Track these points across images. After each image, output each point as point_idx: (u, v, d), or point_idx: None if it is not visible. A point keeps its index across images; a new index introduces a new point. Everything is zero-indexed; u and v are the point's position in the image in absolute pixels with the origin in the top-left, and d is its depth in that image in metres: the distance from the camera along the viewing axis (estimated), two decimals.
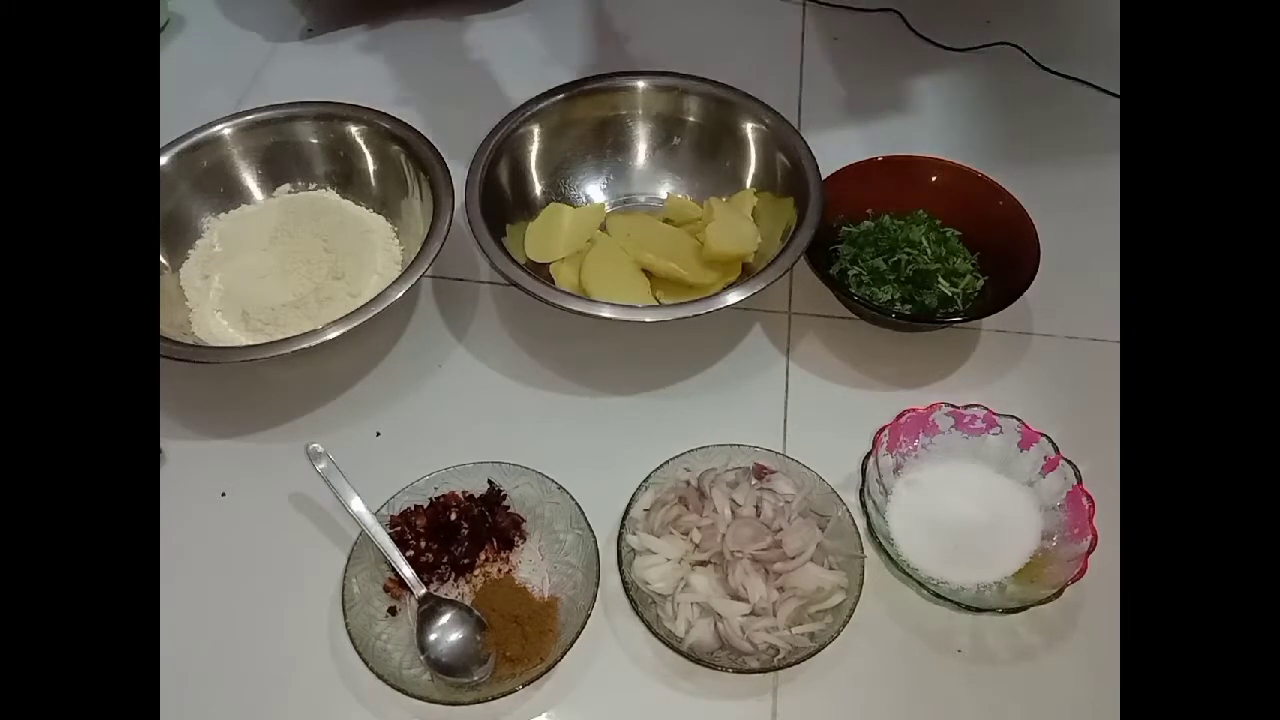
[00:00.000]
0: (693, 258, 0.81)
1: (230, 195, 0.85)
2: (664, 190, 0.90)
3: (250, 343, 0.76)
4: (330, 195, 0.87)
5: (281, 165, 0.86)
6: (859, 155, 0.85)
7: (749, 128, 0.86)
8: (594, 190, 0.89)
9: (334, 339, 0.69)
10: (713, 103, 0.87)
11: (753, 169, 0.87)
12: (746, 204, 0.85)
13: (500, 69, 1.04)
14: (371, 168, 0.85)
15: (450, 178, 0.79)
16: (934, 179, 0.85)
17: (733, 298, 0.72)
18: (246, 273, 0.81)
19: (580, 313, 0.71)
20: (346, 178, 0.87)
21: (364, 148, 0.85)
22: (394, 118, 0.84)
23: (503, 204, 0.82)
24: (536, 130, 0.85)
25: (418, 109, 0.97)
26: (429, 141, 0.82)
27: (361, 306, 0.70)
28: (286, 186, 0.87)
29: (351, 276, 0.80)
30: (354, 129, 0.85)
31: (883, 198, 0.85)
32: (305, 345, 0.68)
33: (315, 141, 0.86)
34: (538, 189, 0.87)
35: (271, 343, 0.70)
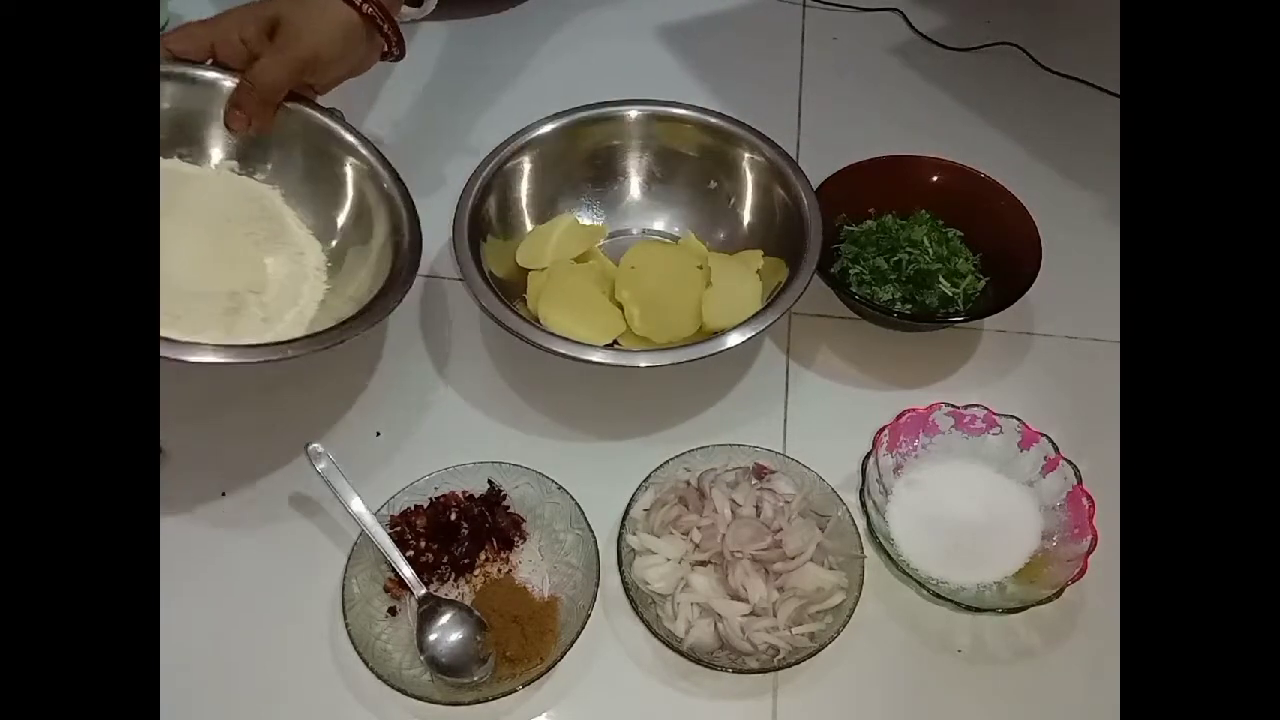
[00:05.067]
0: (685, 312, 0.77)
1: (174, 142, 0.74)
2: (659, 223, 0.87)
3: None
4: (274, 195, 0.77)
5: (227, 139, 0.75)
6: (860, 155, 0.85)
7: (746, 159, 0.83)
8: (587, 221, 0.86)
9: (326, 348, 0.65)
10: (710, 134, 0.84)
11: (749, 204, 0.84)
12: (753, 262, 0.80)
13: (503, 73, 1.04)
14: (325, 186, 0.77)
15: (415, 210, 0.74)
16: (935, 179, 0.85)
17: (733, 340, 0.69)
18: (171, 244, 0.69)
19: (571, 357, 0.69)
20: (296, 183, 0.77)
21: (346, 172, 0.77)
22: (378, 152, 0.77)
23: (491, 233, 0.80)
24: (527, 162, 0.82)
25: (416, 115, 0.97)
26: (400, 182, 0.76)
27: (357, 315, 0.66)
28: (233, 165, 0.76)
29: (272, 301, 0.71)
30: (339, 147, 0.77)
31: (884, 197, 0.85)
32: (289, 356, 0.63)
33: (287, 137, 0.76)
34: (528, 224, 0.84)
35: (259, 345, 0.64)
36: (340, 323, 0.67)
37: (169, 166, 0.74)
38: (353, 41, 0.71)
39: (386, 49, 0.75)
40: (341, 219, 0.78)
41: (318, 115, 0.77)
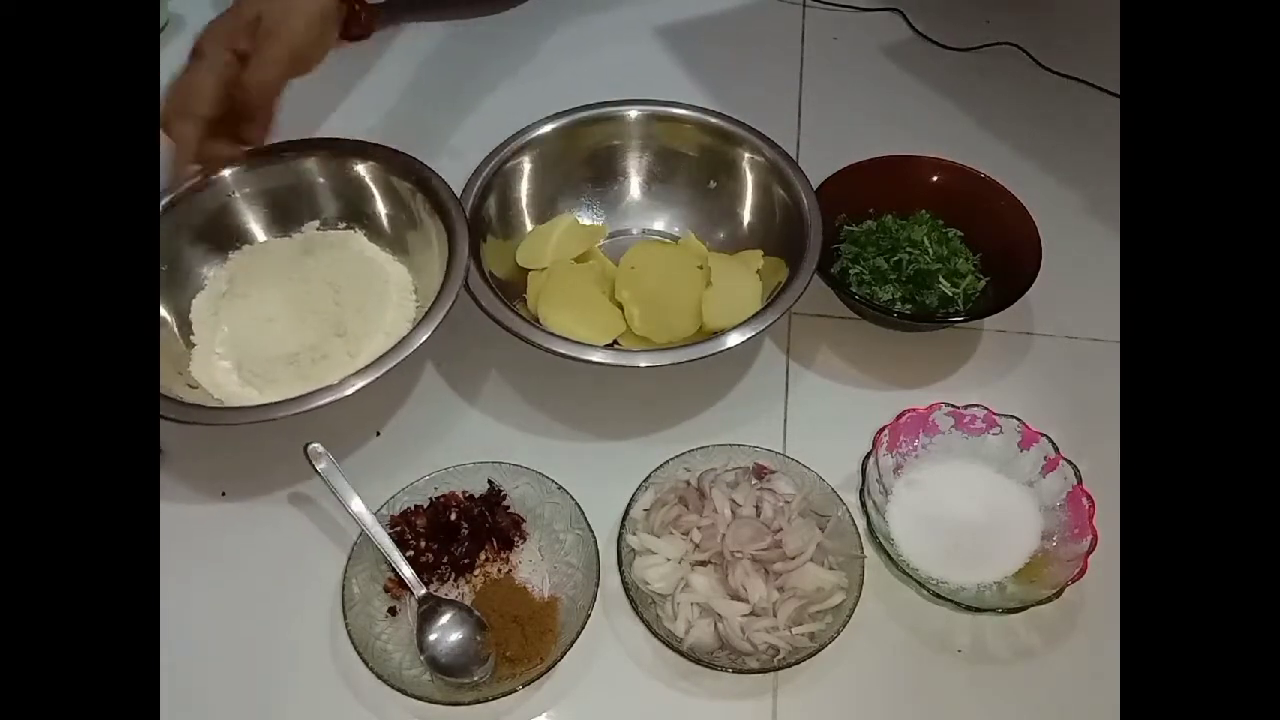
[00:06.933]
0: (685, 312, 0.77)
1: (241, 238, 0.80)
2: (659, 223, 0.87)
3: (242, 390, 0.72)
4: (356, 238, 0.81)
5: (292, 207, 0.80)
6: (860, 155, 0.85)
7: (746, 159, 0.83)
8: (587, 220, 0.86)
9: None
10: (710, 134, 0.84)
11: (749, 204, 0.84)
12: (753, 262, 0.81)
13: (503, 73, 1.04)
14: (383, 210, 0.81)
15: (465, 219, 0.74)
16: (935, 179, 0.85)
17: (733, 340, 0.69)
18: (254, 315, 0.75)
19: (571, 357, 0.69)
20: (363, 218, 0.81)
21: (373, 188, 0.80)
22: (406, 155, 0.79)
23: (491, 233, 0.80)
24: (527, 162, 0.83)
25: (416, 116, 0.97)
26: (443, 180, 0.77)
27: (367, 366, 0.66)
28: (315, 224, 0.81)
29: (355, 334, 0.74)
30: (361, 167, 0.79)
31: (884, 197, 0.85)
32: (299, 410, 0.64)
33: (324, 181, 0.81)
34: (528, 225, 0.84)
35: (265, 405, 0.66)
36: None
37: (249, 250, 0.80)
38: (330, 24, 0.70)
39: (349, 29, 0.73)
40: (414, 244, 0.79)
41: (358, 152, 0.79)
